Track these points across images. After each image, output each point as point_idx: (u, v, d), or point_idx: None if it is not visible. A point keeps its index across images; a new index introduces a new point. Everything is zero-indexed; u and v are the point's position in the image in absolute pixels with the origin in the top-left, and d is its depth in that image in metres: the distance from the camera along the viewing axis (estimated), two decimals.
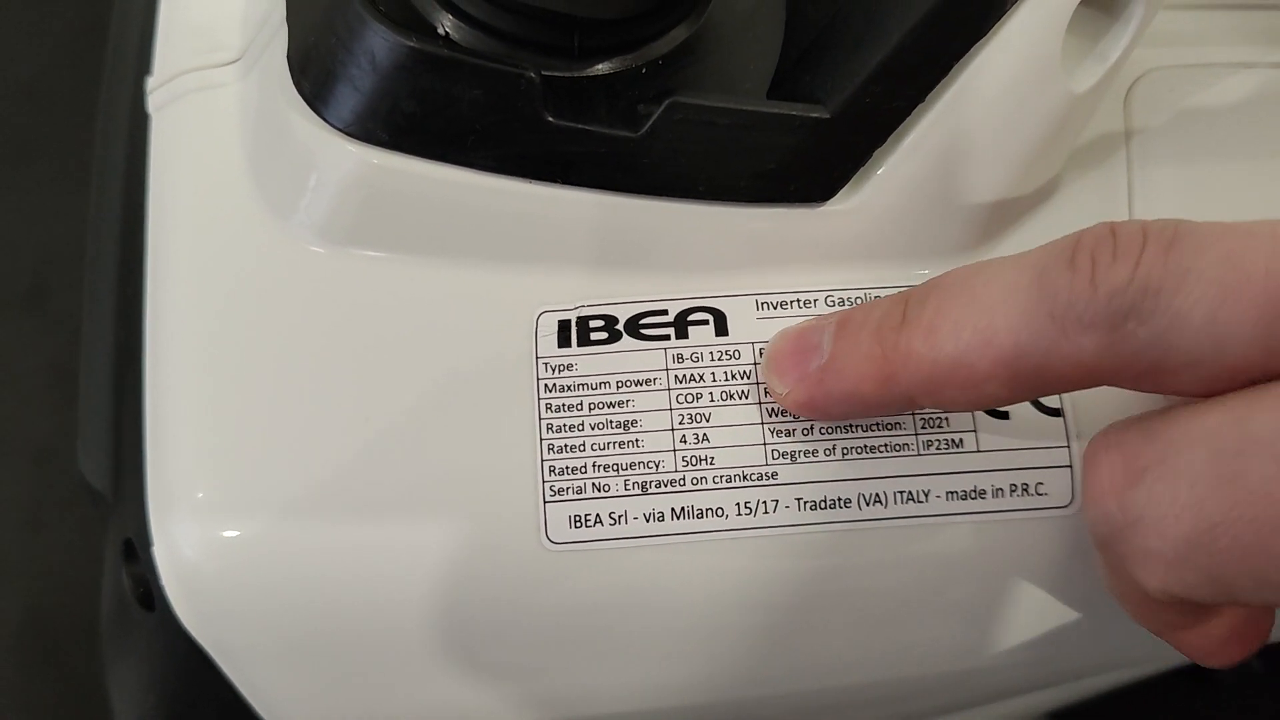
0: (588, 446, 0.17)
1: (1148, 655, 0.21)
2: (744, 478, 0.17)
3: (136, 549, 0.18)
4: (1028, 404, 0.17)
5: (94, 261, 0.21)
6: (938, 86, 0.17)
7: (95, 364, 0.20)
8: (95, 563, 0.22)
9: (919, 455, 0.17)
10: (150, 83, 0.20)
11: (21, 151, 0.47)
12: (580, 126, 0.17)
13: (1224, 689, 0.31)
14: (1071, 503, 0.17)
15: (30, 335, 0.44)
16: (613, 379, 0.17)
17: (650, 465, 0.17)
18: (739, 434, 0.17)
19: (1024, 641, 0.18)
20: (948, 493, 0.17)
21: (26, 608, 0.40)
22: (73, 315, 0.36)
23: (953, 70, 0.17)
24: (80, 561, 0.40)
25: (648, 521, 0.16)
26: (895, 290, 0.17)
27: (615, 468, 0.17)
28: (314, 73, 0.17)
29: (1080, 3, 0.17)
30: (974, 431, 0.17)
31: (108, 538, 0.20)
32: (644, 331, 0.17)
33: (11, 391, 0.43)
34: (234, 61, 0.20)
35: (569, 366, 0.17)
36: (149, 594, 0.18)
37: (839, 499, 0.17)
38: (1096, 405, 0.17)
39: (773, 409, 0.17)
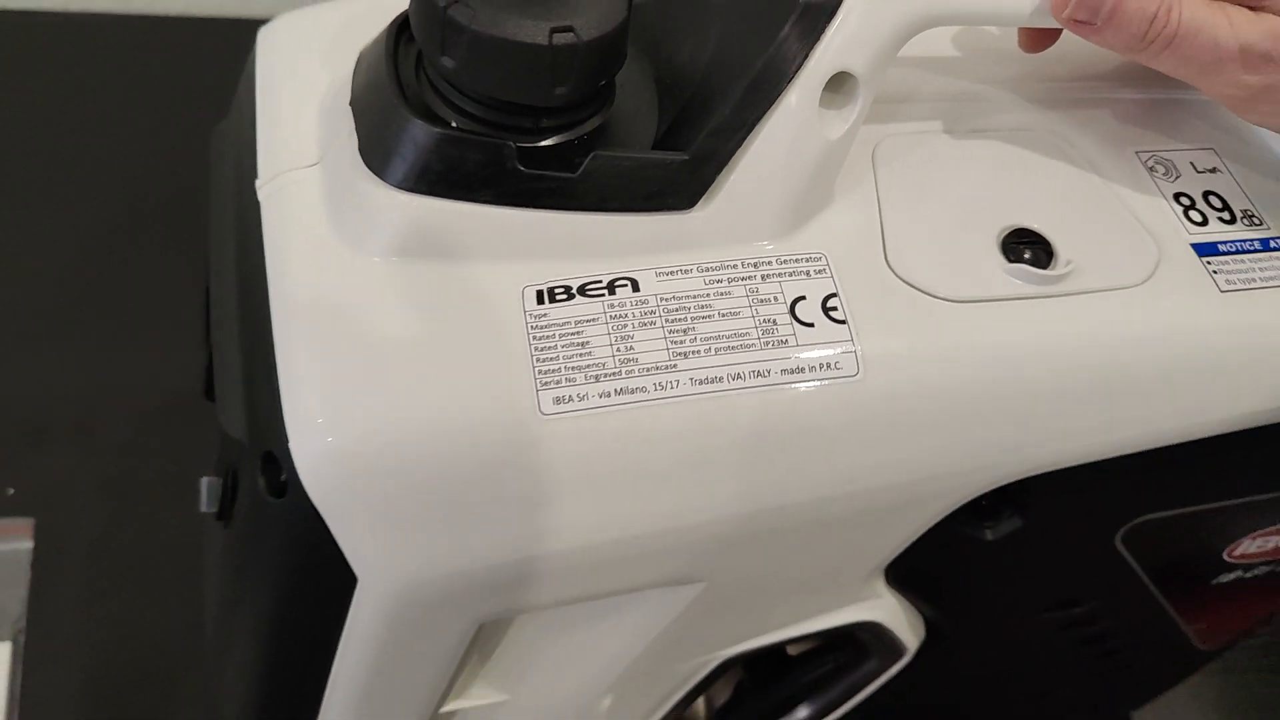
0: (559, 358, 0.26)
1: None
2: (656, 368, 0.26)
3: (277, 458, 0.26)
4: (824, 316, 0.27)
5: (221, 287, 0.30)
6: (748, 138, 0.28)
7: (229, 353, 0.29)
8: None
9: (763, 349, 0.27)
10: (259, 182, 0.30)
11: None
12: (541, 173, 0.27)
13: None
14: (859, 373, 0.27)
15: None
16: (570, 320, 0.27)
17: (598, 366, 0.26)
18: (650, 344, 0.27)
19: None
20: (782, 370, 0.27)
21: None
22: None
23: (756, 126, 0.27)
24: None
25: (599, 398, 0.26)
26: (738, 262, 0.28)
27: (577, 369, 0.26)
28: (377, 152, 0.27)
29: (825, 89, 0.28)
30: (794, 334, 0.27)
31: (243, 462, 0.28)
32: (588, 292, 0.27)
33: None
34: (315, 164, 0.30)
35: (544, 315, 0.27)
36: (280, 488, 0.27)
37: (715, 378, 0.27)
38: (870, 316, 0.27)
39: (669, 330, 0.27)
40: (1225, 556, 0.37)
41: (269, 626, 0.30)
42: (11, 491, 0.52)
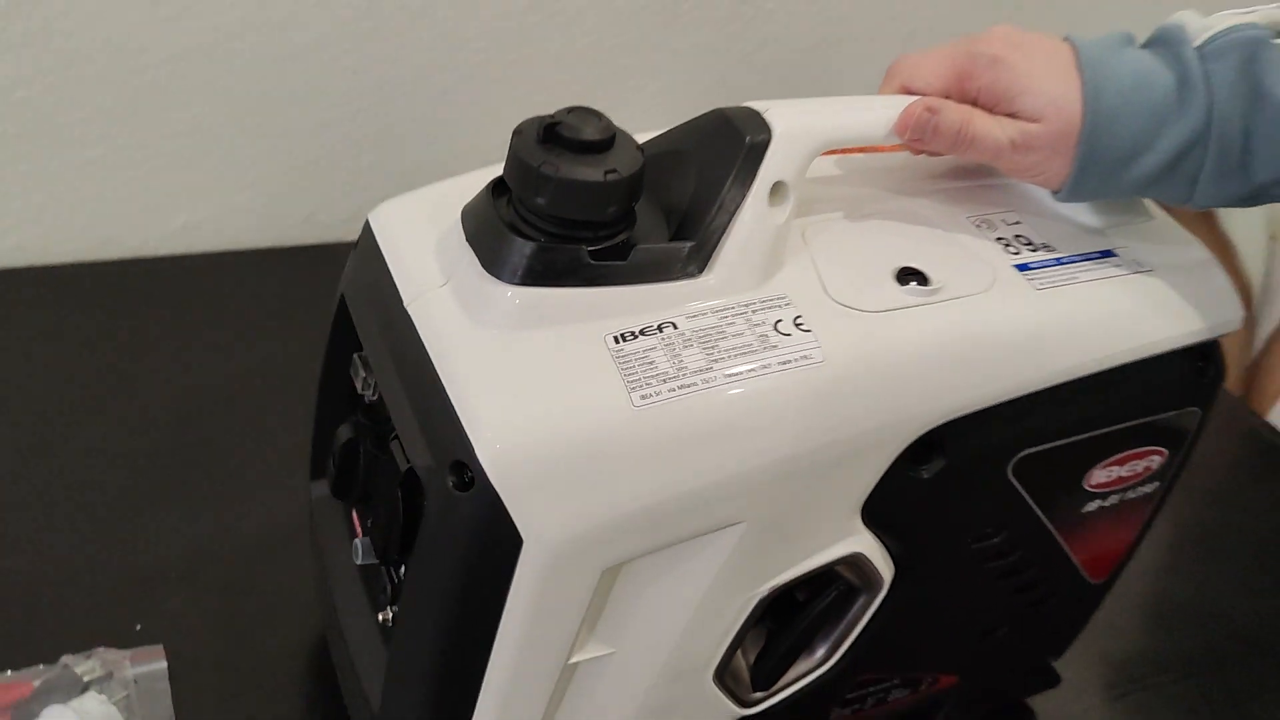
0: (637, 372, 0.41)
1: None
2: (699, 370, 0.41)
3: (465, 463, 0.40)
4: (796, 329, 0.43)
5: (385, 375, 0.44)
6: (728, 227, 0.43)
7: (403, 413, 0.42)
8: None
9: (763, 352, 0.42)
10: (407, 301, 0.44)
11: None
12: (605, 263, 0.42)
13: None
14: (823, 360, 0.42)
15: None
16: (640, 349, 0.41)
17: (663, 374, 0.41)
18: (692, 358, 0.41)
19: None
20: (777, 362, 0.42)
21: None
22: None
23: (732, 220, 0.43)
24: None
25: (668, 392, 0.40)
26: (736, 304, 0.43)
27: (650, 377, 0.41)
28: (494, 264, 0.42)
29: (770, 194, 0.44)
30: (780, 341, 0.42)
31: (435, 473, 0.41)
32: (647, 333, 0.42)
33: None
34: (445, 284, 0.44)
35: (622, 349, 0.41)
36: (467, 484, 0.40)
37: (736, 372, 0.41)
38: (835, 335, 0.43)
39: (702, 348, 0.42)
40: (1085, 485, 0.52)
41: (455, 595, 0.42)
42: (139, 627, 0.62)
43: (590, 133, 0.42)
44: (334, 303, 0.52)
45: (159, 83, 0.84)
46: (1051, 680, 0.67)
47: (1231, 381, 1.54)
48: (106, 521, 0.68)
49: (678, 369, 0.41)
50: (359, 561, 0.50)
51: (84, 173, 0.85)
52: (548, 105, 0.44)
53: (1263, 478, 0.92)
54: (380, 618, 0.51)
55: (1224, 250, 1.56)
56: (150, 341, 0.81)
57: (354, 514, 0.56)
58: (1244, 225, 1.58)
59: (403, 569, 0.49)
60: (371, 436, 0.51)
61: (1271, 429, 0.98)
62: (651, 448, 0.40)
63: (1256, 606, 0.77)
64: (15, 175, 0.83)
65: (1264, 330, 1.59)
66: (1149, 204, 0.54)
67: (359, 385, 0.51)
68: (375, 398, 0.50)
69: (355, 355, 0.51)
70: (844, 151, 0.53)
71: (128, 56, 0.82)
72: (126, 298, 0.85)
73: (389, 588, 0.51)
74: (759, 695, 0.51)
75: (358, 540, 0.50)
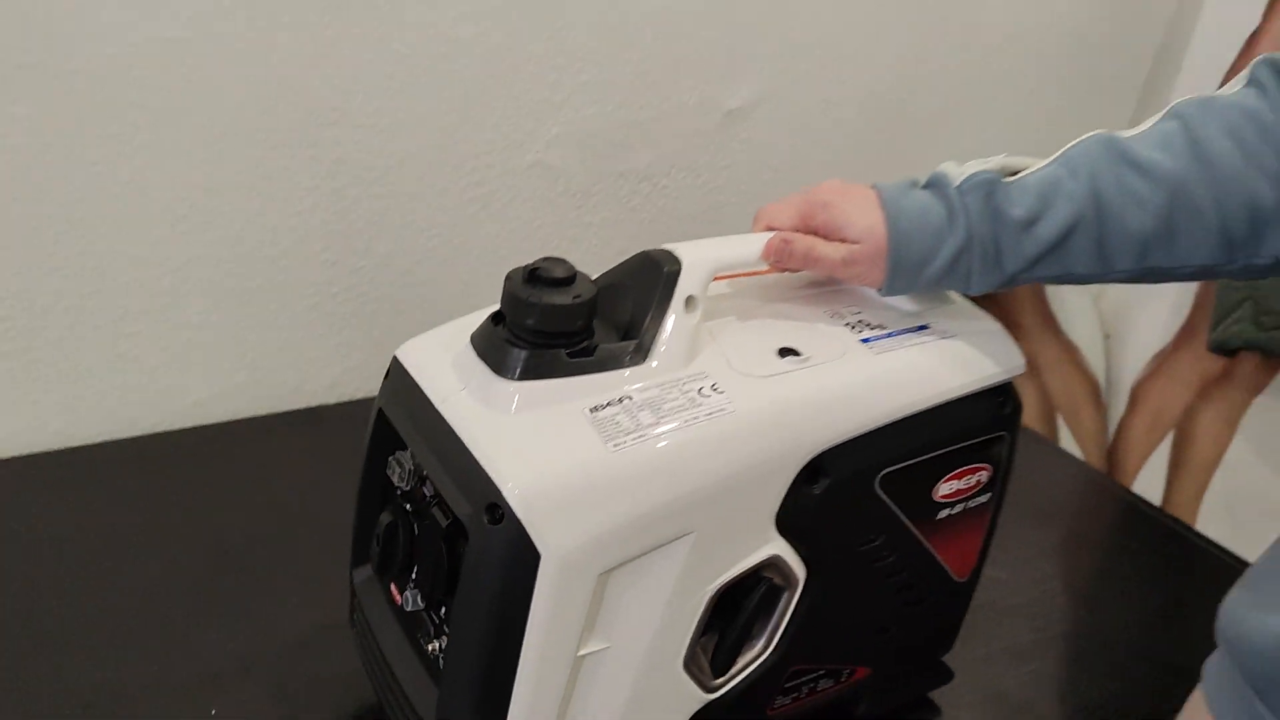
0: (609, 428, 0.59)
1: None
2: (652, 424, 0.59)
3: (497, 504, 0.57)
4: (714, 392, 0.61)
5: (426, 460, 0.61)
6: (659, 329, 0.63)
7: (445, 483, 0.59)
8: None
9: (695, 408, 0.61)
10: (436, 403, 0.62)
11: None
12: (576, 360, 0.61)
13: None
14: (735, 410, 0.61)
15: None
16: (609, 415, 0.60)
17: (626, 429, 0.59)
18: (646, 417, 0.60)
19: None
20: (705, 414, 0.60)
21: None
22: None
23: (661, 324, 0.63)
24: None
25: (630, 440, 0.59)
26: (671, 380, 0.62)
27: (618, 431, 0.59)
28: (499, 368, 0.60)
29: (685, 305, 0.63)
30: (706, 400, 0.61)
31: (474, 516, 0.58)
32: (612, 404, 0.60)
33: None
34: (464, 389, 0.62)
35: (597, 415, 0.60)
36: (499, 519, 0.57)
37: (678, 422, 0.60)
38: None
39: (652, 410, 0.60)
40: (935, 497, 0.71)
41: (491, 615, 0.58)
42: (214, 712, 0.76)
43: (559, 272, 0.61)
44: (367, 429, 0.69)
45: (172, 287, 1.02)
46: (945, 676, 0.84)
47: (1096, 460, 1.77)
48: (170, 637, 0.81)
49: (636, 425, 0.59)
50: (409, 609, 0.66)
51: (113, 366, 1.02)
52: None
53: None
54: (430, 649, 0.66)
55: (1069, 351, 1.81)
56: (179, 498, 0.96)
57: (391, 586, 0.72)
58: (1083, 327, 1.84)
59: (443, 610, 0.65)
60: (407, 517, 0.67)
61: (1139, 497, 1.20)
62: (623, 480, 0.58)
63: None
64: (57, 372, 0.99)
65: (1115, 416, 1.83)
66: (951, 293, 0.75)
67: (395, 478, 0.68)
68: (408, 486, 0.67)
69: (391, 457, 0.68)
70: (732, 276, 0.74)
71: (150, 267, 1.00)
72: (154, 465, 1.00)
73: (432, 629, 0.66)
74: (719, 681, 0.68)
75: (408, 592, 0.66)
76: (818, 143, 1.34)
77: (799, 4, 1.26)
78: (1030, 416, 1.77)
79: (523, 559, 0.57)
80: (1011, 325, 1.50)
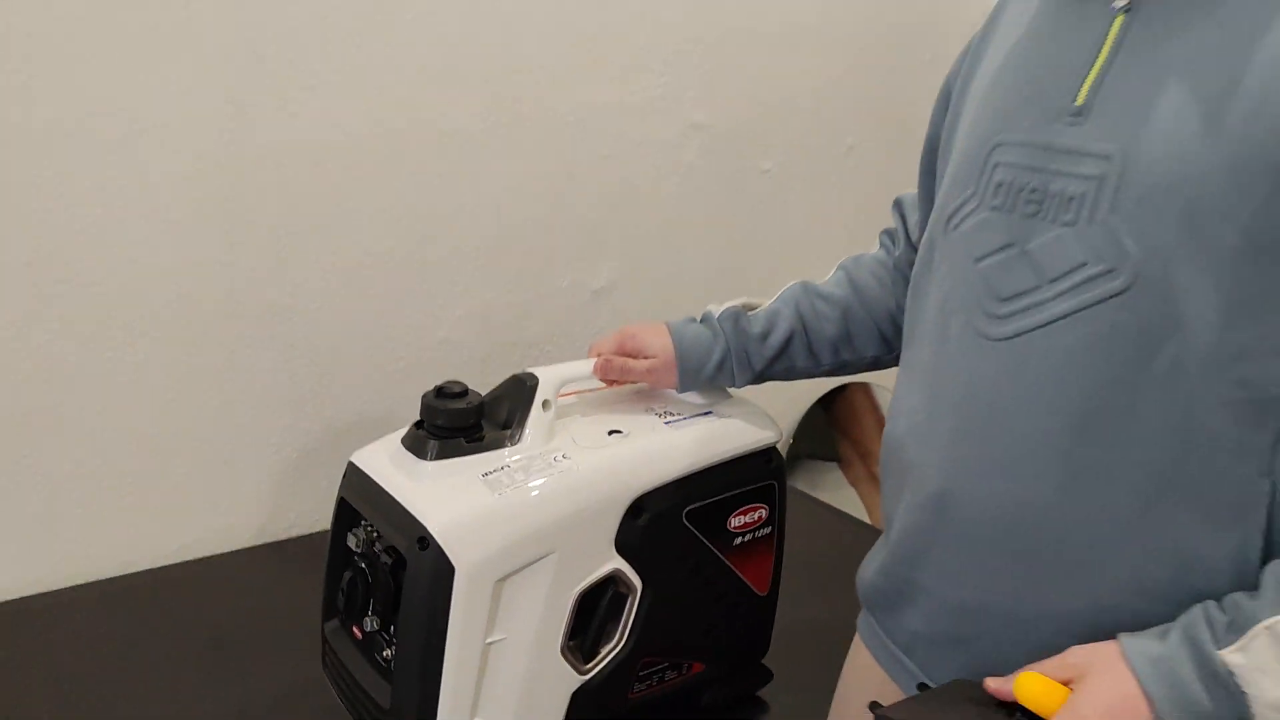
0: (498, 483, 0.90)
1: None
2: (525, 480, 0.91)
3: (424, 536, 0.86)
4: (563, 459, 0.93)
5: (373, 520, 0.91)
6: (524, 429, 0.95)
7: (389, 533, 0.89)
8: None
9: (553, 468, 0.92)
10: (380, 482, 0.92)
11: None
12: (471, 444, 0.92)
13: None
14: (577, 466, 0.92)
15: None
16: (496, 476, 0.91)
17: (506, 482, 0.90)
18: (520, 476, 0.91)
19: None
20: (558, 472, 0.92)
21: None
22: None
23: (525, 422, 0.95)
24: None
25: (510, 490, 0.90)
26: (540, 453, 0.93)
27: (502, 485, 0.90)
28: (421, 454, 0.92)
29: (541, 408, 0.96)
30: (558, 463, 0.92)
31: (410, 547, 0.87)
32: (498, 470, 0.92)
33: None
34: (397, 471, 0.93)
35: (488, 475, 0.91)
36: (426, 546, 0.86)
37: (544, 477, 0.91)
38: None
39: (524, 471, 0.91)
40: (729, 528, 1.02)
41: (425, 615, 0.87)
42: None
43: (457, 389, 0.94)
44: (330, 516, 0.99)
45: (163, 451, 1.31)
46: (766, 676, 1.13)
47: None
48: (181, 700, 1.07)
49: (513, 481, 0.91)
50: (368, 631, 0.94)
51: (117, 519, 1.29)
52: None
53: None
54: (384, 657, 0.94)
55: None
56: (168, 609, 1.23)
57: (353, 627, 0.99)
58: None
59: (391, 628, 0.93)
60: (362, 572, 0.96)
61: None
62: (506, 515, 0.89)
63: None
64: (68, 522, 1.26)
65: None
66: (731, 390, 1.09)
67: (353, 545, 0.97)
68: (362, 550, 0.96)
69: (349, 531, 0.98)
70: (580, 391, 1.06)
71: (145, 439, 1.29)
72: (147, 593, 1.27)
73: (384, 642, 0.94)
74: (588, 666, 0.97)
75: (367, 618, 0.94)
76: (667, 305, 1.70)
77: (643, 204, 1.64)
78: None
79: (443, 572, 0.87)
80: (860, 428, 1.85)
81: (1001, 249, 0.75)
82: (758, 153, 1.77)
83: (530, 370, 0.98)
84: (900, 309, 0.95)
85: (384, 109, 1.36)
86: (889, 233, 1.04)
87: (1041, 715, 0.68)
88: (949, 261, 0.80)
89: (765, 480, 1.05)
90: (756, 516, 1.05)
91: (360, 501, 0.95)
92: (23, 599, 1.24)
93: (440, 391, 0.94)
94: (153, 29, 1.19)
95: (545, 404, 0.97)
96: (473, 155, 1.45)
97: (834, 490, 2.13)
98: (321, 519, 1.44)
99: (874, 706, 0.74)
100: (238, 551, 1.38)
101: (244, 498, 1.38)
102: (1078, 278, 0.70)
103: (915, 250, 0.94)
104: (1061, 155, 0.72)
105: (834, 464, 2.23)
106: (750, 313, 1.03)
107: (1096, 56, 0.72)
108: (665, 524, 0.98)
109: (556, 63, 1.50)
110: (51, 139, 1.16)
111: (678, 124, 1.66)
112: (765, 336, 1.01)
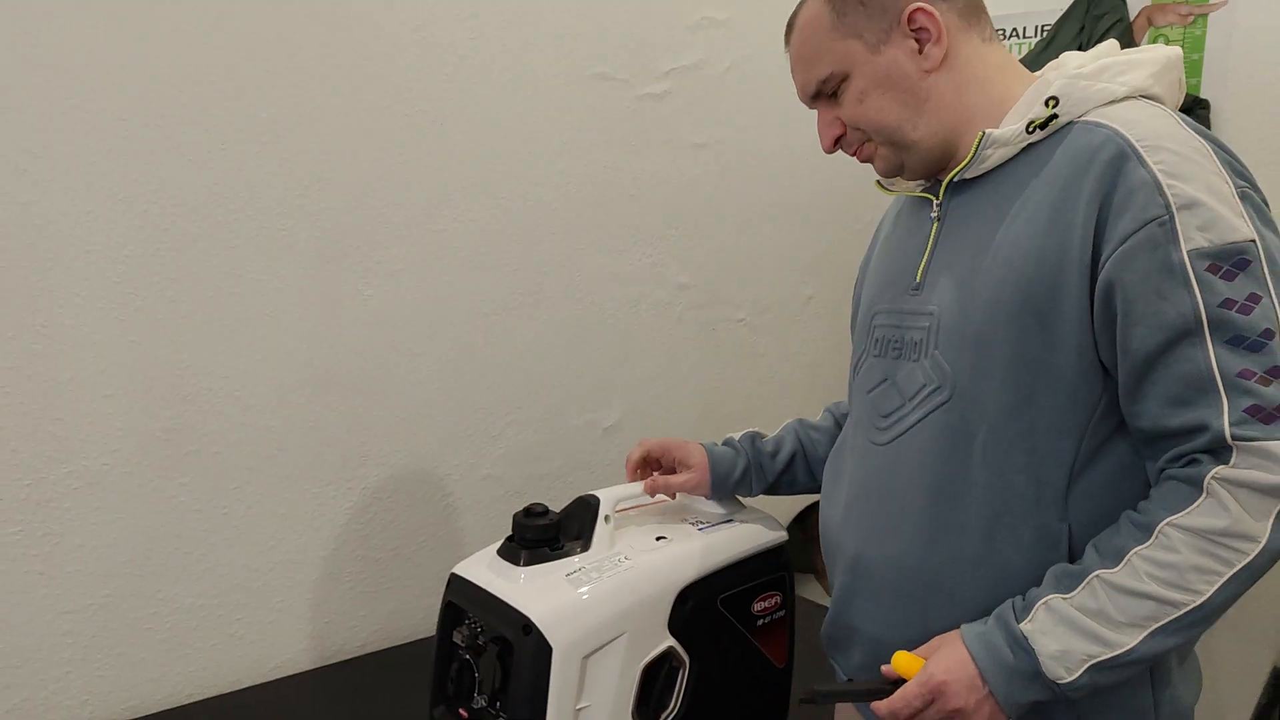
0: (577, 583, 1.15)
1: None
2: (605, 577, 1.16)
3: (529, 624, 1.11)
4: (627, 560, 1.19)
5: (478, 620, 1.15)
6: (593, 534, 1.21)
7: (493, 620, 1.13)
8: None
9: (623, 566, 1.18)
10: (482, 585, 1.17)
11: None
12: (554, 552, 1.18)
13: None
14: (633, 564, 1.18)
15: None
16: (576, 576, 1.16)
17: (585, 581, 1.15)
18: (597, 573, 1.17)
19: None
20: (623, 571, 1.17)
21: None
22: None
23: (593, 531, 1.21)
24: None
25: (592, 584, 1.15)
26: (607, 557, 1.19)
27: (584, 580, 1.15)
28: (513, 560, 1.17)
29: (606, 520, 1.22)
30: (623, 564, 1.18)
31: (517, 633, 1.11)
32: (577, 570, 1.17)
33: None
34: (497, 577, 1.17)
35: (570, 574, 1.16)
36: (529, 631, 1.10)
37: (617, 573, 1.17)
38: None
39: (601, 571, 1.17)
40: (752, 611, 1.28)
41: (530, 688, 1.10)
42: None
43: (540, 509, 1.20)
44: (438, 616, 1.23)
45: (264, 584, 1.53)
46: None
47: None
48: None
49: (589, 579, 1.16)
50: (476, 708, 1.17)
51: (226, 643, 1.50)
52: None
53: None
54: None
55: None
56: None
57: (460, 710, 1.22)
58: None
59: (497, 704, 1.16)
60: (467, 662, 1.20)
61: None
62: (588, 606, 1.14)
63: None
64: (189, 646, 1.47)
65: None
66: (746, 501, 1.36)
67: (459, 639, 1.21)
68: (465, 644, 1.20)
69: (455, 629, 1.21)
70: (634, 506, 1.32)
71: (249, 574, 1.52)
72: (248, 709, 1.48)
73: (491, 716, 1.17)
74: None
75: (477, 697, 1.17)
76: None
77: (642, 353, 1.93)
78: None
79: (544, 651, 1.11)
80: None
81: (881, 383, 1.07)
82: (733, 306, 2.08)
83: (593, 493, 1.25)
84: None
85: (438, 288, 1.65)
86: None
87: (906, 678, 0.96)
88: (856, 395, 1.13)
89: (778, 572, 1.31)
90: (773, 602, 1.30)
91: (466, 602, 1.20)
92: (153, 715, 1.44)
93: (528, 512, 1.20)
94: (265, 256, 1.47)
95: (606, 518, 1.23)
96: (504, 322, 1.74)
97: (814, 597, 2.37)
98: (396, 634, 1.66)
99: (805, 691, 1.00)
100: (324, 667, 1.59)
101: (331, 616, 1.61)
102: (922, 395, 1.01)
103: None
104: (909, 315, 1.05)
105: (810, 574, 2.48)
106: (763, 438, 1.31)
107: (924, 250, 1.06)
108: (705, 609, 1.23)
109: (569, 246, 1.80)
110: (182, 331, 1.42)
111: (668, 286, 1.97)
112: (775, 455, 1.29)
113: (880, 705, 0.96)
